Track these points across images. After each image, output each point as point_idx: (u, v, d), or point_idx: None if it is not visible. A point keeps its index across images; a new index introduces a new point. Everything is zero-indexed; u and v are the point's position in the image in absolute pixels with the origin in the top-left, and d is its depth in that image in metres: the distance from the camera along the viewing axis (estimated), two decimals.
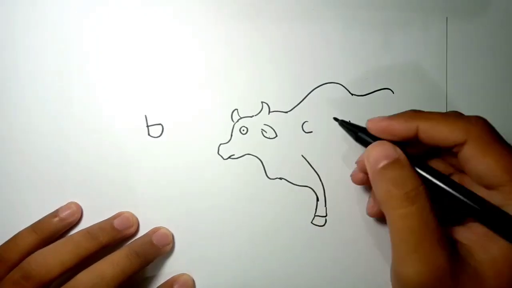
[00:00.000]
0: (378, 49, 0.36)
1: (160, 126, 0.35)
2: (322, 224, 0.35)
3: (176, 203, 0.35)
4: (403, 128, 0.27)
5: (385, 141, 0.27)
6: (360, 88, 0.36)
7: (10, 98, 0.35)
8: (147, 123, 0.35)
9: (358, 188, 0.35)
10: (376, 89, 0.36)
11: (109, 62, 0.35)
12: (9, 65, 0.35)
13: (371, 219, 0.35)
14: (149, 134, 0.35)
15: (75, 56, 0.35)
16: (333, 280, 0.35)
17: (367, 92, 0.36)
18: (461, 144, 0.25)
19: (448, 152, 0.27)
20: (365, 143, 0.29)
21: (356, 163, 0.32)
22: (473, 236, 0.25)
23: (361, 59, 0.36)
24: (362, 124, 0.30)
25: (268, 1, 0.36)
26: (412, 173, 0.26)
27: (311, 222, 0.35)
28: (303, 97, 0.35)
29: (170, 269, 0.35)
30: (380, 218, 0.35)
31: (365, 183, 0.32)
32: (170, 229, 0.34)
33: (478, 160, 0.25)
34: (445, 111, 0.36)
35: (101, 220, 0.34)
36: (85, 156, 0.34)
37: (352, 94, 0.36)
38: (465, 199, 0.25)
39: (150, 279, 0.35)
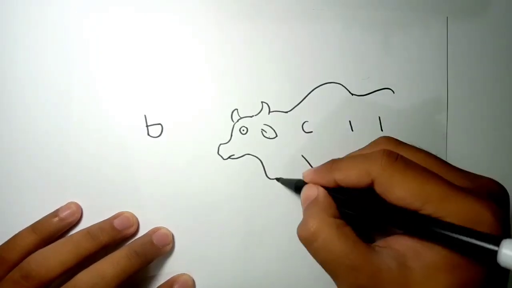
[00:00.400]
0: (378, 49, 0.36)
1: (160, 126, 0.35)
2: None
3: (176, 203, 0.35)
4: (325, 181, 0.28)
5: (309, 184, 0.29)
6: (360, 88, 0.36)
7: (10, 98, 0.35)
8: (146, 123, 0.35)
9: None
10: (376, 89, 0.36)
11: (109, 62, 0.35)
12: (9, 65, 0.35)
13: None
14: (148, 134, 0.35)
15: (75, 56, 0.35)
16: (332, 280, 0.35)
17: (367, 92, 0.36)
18: (372, 184, 0.26)
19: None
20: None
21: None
22: (408, 241, 0.25)
23: (361, 59, 0.36)
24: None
25: (268, 1, 0.36)
26: (320, 211, 0.27)
27: None
28: (303, 97, 0.35)
29: (169, 269, 0.35)
30: None
31: None
32: (169, 229, 0.34)
33: (389, 195, 0.25)
34: (446, 110, 0.36)
35: (101, 220, 0.34)
36: (84, 156, 0.34)
37: (352, 94, 0.36)
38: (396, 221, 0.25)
39: (150, 279, 0.35)
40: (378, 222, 0.27)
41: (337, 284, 0.26)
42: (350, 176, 0.27)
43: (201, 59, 0.35)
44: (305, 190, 0.29)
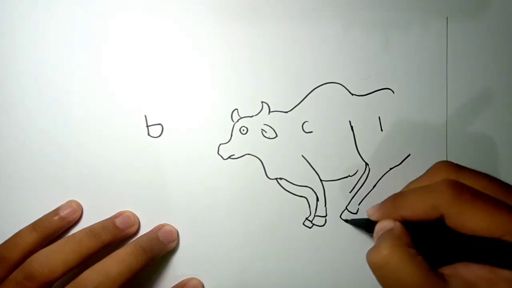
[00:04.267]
0: (378, 49, 0.36)
1: (160, 126, 0.35)
2: (322, 224, 0.35)
3: (176, 203, 0.35)
4: (393, 217, 0.28)
5: (386, 219, 0.29)
6: (360, 88, 0.36)
7: (10, 98, 0.35)
8: (147, 123, 0.35)
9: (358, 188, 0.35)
10: (376, 89, 0.36)
11: (109, 63, 0.35)
12: (9, 64, 0.35)
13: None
14: (149, 134, 0.35)
15: (76, 57, 0.35)
16: (334, 280, 0.35)
17: (367, 92, 0.36)
18: (443, 218, 0.26)
19: None
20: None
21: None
22: (481, 272, 0.25)
23: (361, 59, 0.36)
24: None
25: (268, 1, 0.36)
26: (393, 237, 0.27)
27: (311, 222, 0.35)
28: (303, 97, 0.35)
29: (169, 268, 0.35)
30: None
31: None
32: None
33: (462, 228, 0.25)
34: (446, 110, 0.36)
35: (102, 219, 0.34)
36: (85, 155, 0.34)
37: (352, 94, 0.36)
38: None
39: (150, 279, 0.35)
40: (454, 254, 0.26)
41: None
42: (417, 213, 0.27)
43: (201, 60, 0.35)
44: (380, 222, 0.29)
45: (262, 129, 0.35)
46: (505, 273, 0.24)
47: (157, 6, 0.35)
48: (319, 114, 0.35)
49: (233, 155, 0.35)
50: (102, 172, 0.34)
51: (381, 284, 0.26)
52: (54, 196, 0.34)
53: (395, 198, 0.29)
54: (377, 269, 0.26)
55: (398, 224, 0.28)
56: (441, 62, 0.36)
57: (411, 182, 0.31)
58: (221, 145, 0.35)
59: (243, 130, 0.35)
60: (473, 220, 0.24)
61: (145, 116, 0.35)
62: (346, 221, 0.35)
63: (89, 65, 0.35)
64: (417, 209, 0.27)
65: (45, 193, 0.34)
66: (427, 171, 0.30)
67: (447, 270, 0.26)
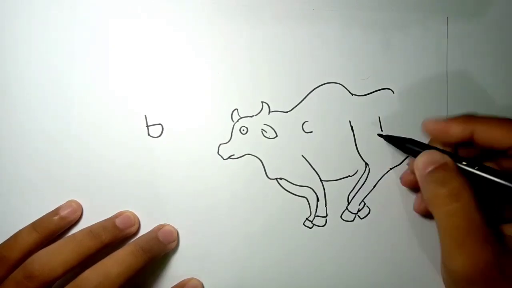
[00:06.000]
0: (378, 49, 0.36)
1: (160, 126, 0.35)
2: (322, 224, 0.35)
3: (176, 203, 0.35)
4: (460, 130, 0.28)
5: (433, 150, 0.30)
6: (360, 88, 0.36)
7: (10, 98, 0.35)
8: (147, 123, 0.35)
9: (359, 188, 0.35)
10: (376, 89, 0.36)
11: (109, 63, 0.35)
12: (10, 64, 0.35)
13: (371, 219, 0.35)
14: (149, 134, 0.35)
15: (75, 56, 0.35)
16: (334, 280, 0.35)
17: (367, 92, 0.36)
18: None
19: (502, 154, 0.29)
20: (413, 153, 0.31)
21: (407, 164, 0.34)
22: None
23: (361, 59, 0.36)
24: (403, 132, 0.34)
25: (268, 1, 0.36)
26: (457, 174, 0.27)
27: (312, 222, 0.35)
28: (303, 97, 0.35)
29: (169, 268, 0.35)
30: (381, 220, 0.35)
31: (413, 185, 0.33)
32: None
33: None
34: (446, 110, 0.36)
35: (101, 219, 0.34)
36: (85, 155, 0.34)
37: (352, 94, 0.36)
38: None
39: (150, 279, 0.35)
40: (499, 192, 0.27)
41: (454, 256, 0.26)
42: (496, 132, 0.27)
43: (201, 60, 0.35)
44: (429, 153, 0.29)
45: (262, 129, 0.35)
46: None
47: (157, 6, 0.35)
48: (319, 114, 0.35)
49: (233, 155, 0.35)
50: (102, 172, 0.34)
51: (442, 221, 0.26)
52: (54, 196, 0.34)
53: (467, 115, 0.29)
54: (445, 205, 0.26)
55: (449, 159, 0.28)
56: (441, 62, 0.36)
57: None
58: (221, 145, 0.35)
59: (243, 130, 0.35)
60: None
61: (145, 116, 0.35)
62: (380, 135, 0.34)
63: (89, 65, 0.35)
64: (497, 129, 0.27)
65: (45, 192, 0.34)
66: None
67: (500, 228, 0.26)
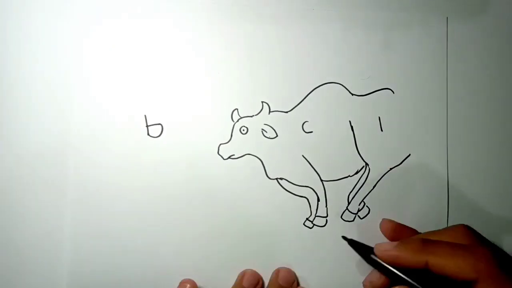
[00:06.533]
0: (378, 49, 0.36)
1: (160, 126, 0.35)
2: (322, 224, 0.35)
3: (176, 203, 0.35)
4: (413, 262, 0.28)
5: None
6: (360, 88, 0.36)
7: (10, 98, 0.35)
8: (146, 123, 0.35)
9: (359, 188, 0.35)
10: (376, 89, 0.36)
11: (109, 62, 0.35)
12: (10, 65, 0.35)
13: (371, 219, 0.35)
14: (148, 134, 0.35)
15: (75, 57, 0.35)
16: (334, 280, 0.35)
17: (367, 92, 0.36)
18: (472, 281, 0.26)
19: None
20: (376, 266, 0.31)
21: (363, 284, 0.33)
22: None
23: (361, 59, 0.36)
24: None
25: (268, 1, 0.36)
26: (404, 253, 0.28)
27: (312, 222, 0.35)
28: (303, 97, 0.35)
29: (169, 268, 0.35)
30: (381, 220, 0.35)
31: None
32: (169, 229, 0.34)
33: None
34: (446, 110, 0.36)
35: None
36: (84, 155, 0.34)
37: (352, 94, 0.36)
38: None
39: (150, 279, 0.35)
40: None
41: None
42: (449, 265, 0.27)
43: (201, 59, 0.35)
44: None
45: (262, 129, 0.35)
46: None
47: (157, 6, 0.35)
48: (319, 114, 0.35)
49: (233, 155, 0.35)
50: (102, 172, 0.34)
51: None
52: (54, 197, 0.34)
53: (424, 242, 0.29)
54: None
55: None
56: (441, 62, 0.36)
57: (426, 233, 0.31)
58: (221, 145, 0.35)
59: (243, 130, 0.35)
60: None
61: (145, 116, 0.35)
62: (344, 238, 0.33)
63: (89, 65, 0.35)
64: (451, 262, 0.27)
65: (45, 193, 0.34)
66: (447, 228, 0.31)
67: None
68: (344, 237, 0.33)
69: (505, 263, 0.27)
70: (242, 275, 0.34)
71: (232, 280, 0.35)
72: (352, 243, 0.33)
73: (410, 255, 0.28)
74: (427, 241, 0.29)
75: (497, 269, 0.26)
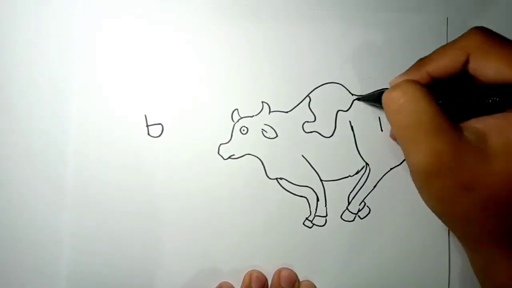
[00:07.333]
0: (378, 49, 0.36)
1: (160, 126, 0.35)
2: (322, 224, 0.35)
3: (176, 203, 0.35)
4: (417, 78, 0.28)
5: (392, 88, 0.29)
6: (360, 88, 0.36)
7: (9, 97, 0.35)
8: (146, 123, 0.35)
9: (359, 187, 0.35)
10: (377, 89, 0.36)
11: (109, 62, 0.35)
12: (9, 64, 0.35)
13: (371, 219, 0.35)
14: (148, 134, 0.35)
15: (75, 56, 0.35)
16: (334, 280, 0.35)
17: (367, 92, 0.36)
18: (467, 62, 0.26)
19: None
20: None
21: None
22: (492, 120, 0.25)
23: (361, 59, 0.36)
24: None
25: (268, 1, 0.36)
26: (411, 81, 0.27)
27: (312, 222, 0.35)
28: (303, 97, 0.35)
29: (169, 268, 0.35)
30: (381, 220, 0.35)
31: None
32: (169, 229, 0.34)
33: (485, 68, 0.25)
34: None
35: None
36: (84, 155, 0.34)
37: (352, 94, 0.36)
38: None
39: (150, 279, 0.35)
40: (472, 111, 0.26)
41: (409, 154, 0.26)
42: (444, 60, 0.27)
43: (201, 59, 0.35)
44: (394, 80, 0.29)
45: (262, 129, 0.35)
46: None
47: (157, 6, 0.35)
48: (319, 114, 0.35)
49: (233, 155, 0.35)
50: (102, 172, 0.34)
51: (395, 121, 0.26)
52: (53, 197, 0.34)
53: (421, 59, 0.29)
54: (393, 103, 0.26)
55: (411, 80, 0.28)
56: None
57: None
58: (221, 145, 0.35)
59: (244, 130, 0.35)
60: (497, 59, 0.24)
61: (145, 116, 0.35)
62: (359, 99, 0.35)
63: (89, 65, 0.35)
64: (445, 58, 0.27)
65: (44, 194, 0.34)
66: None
67: (460, 123, 0.26)
68: (357, 99, 0.35)
69: (496, 37, 0.26)
70: (249, 276, 0.34)
71: (232, 280, 0.35)
72: (364, 98, 0.34)
73: (414, 72, 0.28)
74: (424, 57, 0.29)
75: (484, 37, 0.26)
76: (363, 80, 0.36)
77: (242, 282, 0.34)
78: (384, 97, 0.27)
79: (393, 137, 0.34)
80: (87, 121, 0.35)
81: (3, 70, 0.35)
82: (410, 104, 0.26)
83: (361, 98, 0.35)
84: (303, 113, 0.35)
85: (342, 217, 0.35)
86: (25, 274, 0.34)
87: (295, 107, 0.35)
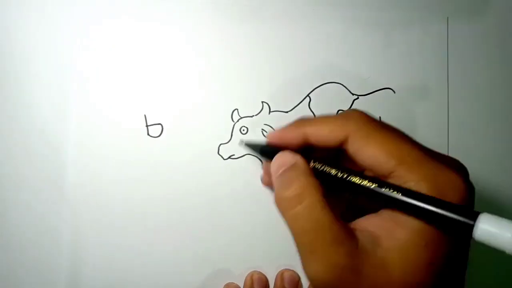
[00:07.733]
0: (379, 49, 0.36)
1: (160, 126, 0.35)
2: None
3: (176, 203, 0.35)
4: (294, 136, 0.27)
5: (286, 151, 0.27)
6: (360, 88, 0.36)
7: (9, 97, 0.35)
8: (146, 123, 0.35)
9: None
10: (377, 88, 0.36)
11: (109, 62, 0.35)
12: (9, 64, 0.35)
13: None
14: (148, 134, 0.35)
15: (75, 56, 0.35)
16: None
17: (367, 92, 0.36)
18: (345, 142, 0.25)
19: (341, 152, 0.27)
20: (269, 156, 0.29)
21: (262, 168, 0.32)
22: (381, 222, 0.24)
23: (361, 59, 0.36)
24: None
25: (269, 1, 0.36)
26: (303, 174, 0.25)
27: None
28: (303, 97, 0.35)
29: (169, 268, 0.35)
30: None
31: (271, 184, 0.30)
32: (168, 229, 0.34)
33: (362, 153, 0.24)
34: (447, 110, 0.36)
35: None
36: (84, 155, 0.34)
37: (352, 94, 0.36)
38: (366, 186, 0.24)
39: (150, 279, 0.35)
40: (348, 189, 0.25)
41: (307, 262, 0.24)
42: (323, 130, 0.26)
43: (201, 59, 0.35)
44: (280, 156, 0.27)
45: (262, 129, 0.35)
46: (402, 218, 0.23)
47: (157, 6, 0.35)
48: (319, 114, 0.35)
49: (233, 155, 0.35)
50: (102, 172, 0.34)
51: (291, 225, 0.25)
52: (53, 197, 0.34)
53: (301, 118, 0.28)
54: (289, 209, 0.25)
55: (300, 157, 0.26)
56: (442, 62, 0.36)
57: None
58: (221, 145, 0.35)
59: (243, 130, 0.35)
60: (375, 145, 0.24)
61: (145, 116, 0.35)
62: (241, 144, 0.32)
63: (88, 65, 0.35)
64: (324, 127, 0.26)
65: (44, 194, 0.34)
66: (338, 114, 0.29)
67: (351, 225, 0.25)
68: (241, 143, 0.32)
69: (377, 122, 0.25)
70: (250, 277, 0.34)
71: (232, 280, 0.35)
72: (250, 146, 0.31)
73: (291, 130, 0.27)
74: (307, 118, 0.28)
75: (365, 121, 0.25)
76: (363, 80, 0.36)
77: (243, 283, 0.34)
78: (279, 193, 0.25)
79: (266, 182, 0.31)
80: (87, 121, 0.35)
81: (3, 70, 0.35)
82: (309, 211, 0.24)
83: (245, 145, 0.31)
84: (303, 113, 0.35)
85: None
86: (25, 274, 0.34)
87: (295, 107, 0.35)
